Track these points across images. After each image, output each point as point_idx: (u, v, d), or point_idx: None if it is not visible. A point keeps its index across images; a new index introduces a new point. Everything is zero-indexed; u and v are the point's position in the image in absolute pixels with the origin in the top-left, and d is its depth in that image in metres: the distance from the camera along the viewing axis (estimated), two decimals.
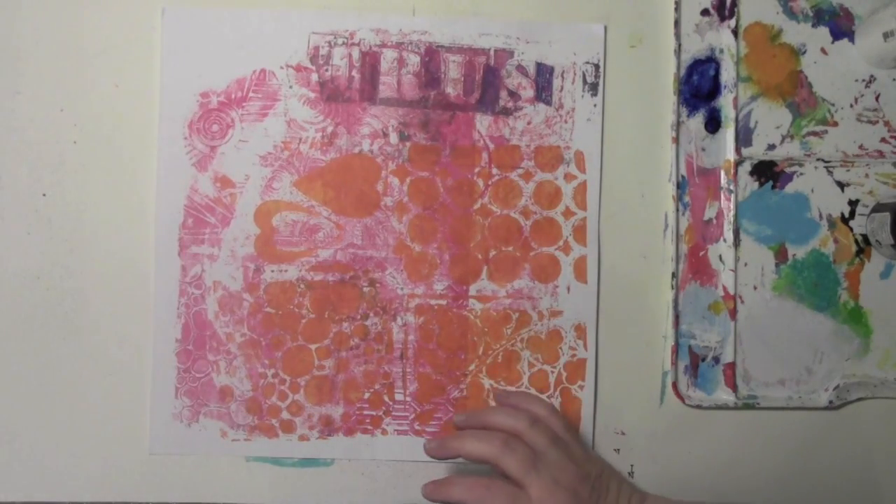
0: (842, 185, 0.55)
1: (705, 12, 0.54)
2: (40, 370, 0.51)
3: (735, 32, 0.54)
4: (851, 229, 0.55)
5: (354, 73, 0.52)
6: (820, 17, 0.55)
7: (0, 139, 0.51)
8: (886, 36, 0.52)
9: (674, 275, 0.53)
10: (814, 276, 0.54)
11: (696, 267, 0.54)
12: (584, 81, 0.53)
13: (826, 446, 0.55)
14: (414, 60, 0.52)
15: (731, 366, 0.53)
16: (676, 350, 0.53)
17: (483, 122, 0.52)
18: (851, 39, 0.55)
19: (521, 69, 0.53)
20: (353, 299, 0.51)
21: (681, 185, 0.54)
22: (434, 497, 0.46)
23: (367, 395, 0.52)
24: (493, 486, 0.44)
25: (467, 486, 0.45)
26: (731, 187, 0.54)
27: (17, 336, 0.51)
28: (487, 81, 0.52)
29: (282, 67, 0.52)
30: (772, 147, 0.54)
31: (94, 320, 0.52)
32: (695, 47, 0.54)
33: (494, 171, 0.52)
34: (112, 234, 0.52)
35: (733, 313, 0.54)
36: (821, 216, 0.55)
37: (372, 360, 0.51)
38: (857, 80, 0.55)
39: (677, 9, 0.53)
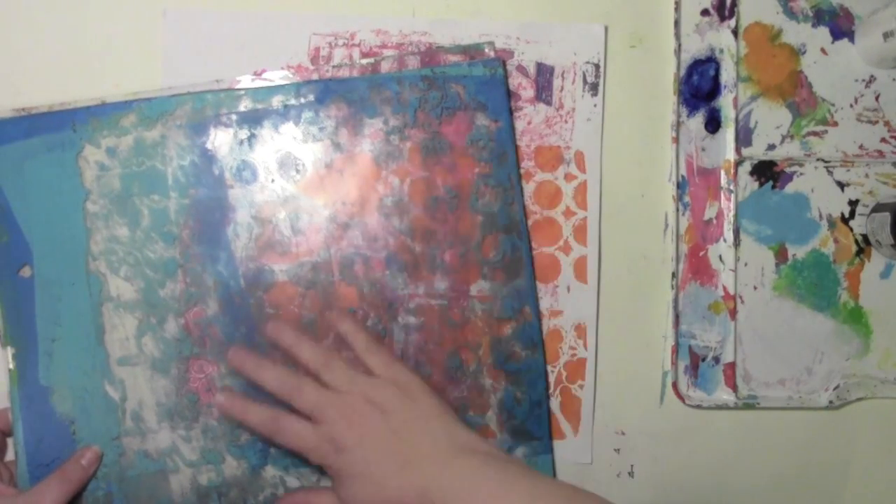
0: (842, 185, 0.55)
1: (705, 12, 0.54)
2: None
3: (735, 32, 0.54)
4: (851, 229, 0.55)
5: (355, 73, 0.52)
6: (820, 17, 0.55)
7: None
8: (886, 36, 0.52)
9: (674, 275, 0.53)
10: (814, 276, 0.54)
11: (696, 267, 0.54)
12: (585, 81, 0.53)
13: (826, 446, 0.55)
14: (414, 61, 0.52)
15: (731, 366, 0.54)
16: (676, 350, 0.53)
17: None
18: (851, 39, 0.55)
19: (521, 69, 0.53)
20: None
21: (681, 185, 0.54)
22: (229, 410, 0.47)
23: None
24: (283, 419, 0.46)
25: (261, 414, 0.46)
26: (731, 187, 0.54)
27: None
28: None
29: (282, 68, 0.52)
30: (772, 147, 0.54)
31: None
32: (695, 47, 0.54)
33: None
34: None
35: (733, 313, 0.54)
36: (821, 216, 0.55)
37: None
38: (857, 80, 0.55)
39: (677, 9, 0.53)
